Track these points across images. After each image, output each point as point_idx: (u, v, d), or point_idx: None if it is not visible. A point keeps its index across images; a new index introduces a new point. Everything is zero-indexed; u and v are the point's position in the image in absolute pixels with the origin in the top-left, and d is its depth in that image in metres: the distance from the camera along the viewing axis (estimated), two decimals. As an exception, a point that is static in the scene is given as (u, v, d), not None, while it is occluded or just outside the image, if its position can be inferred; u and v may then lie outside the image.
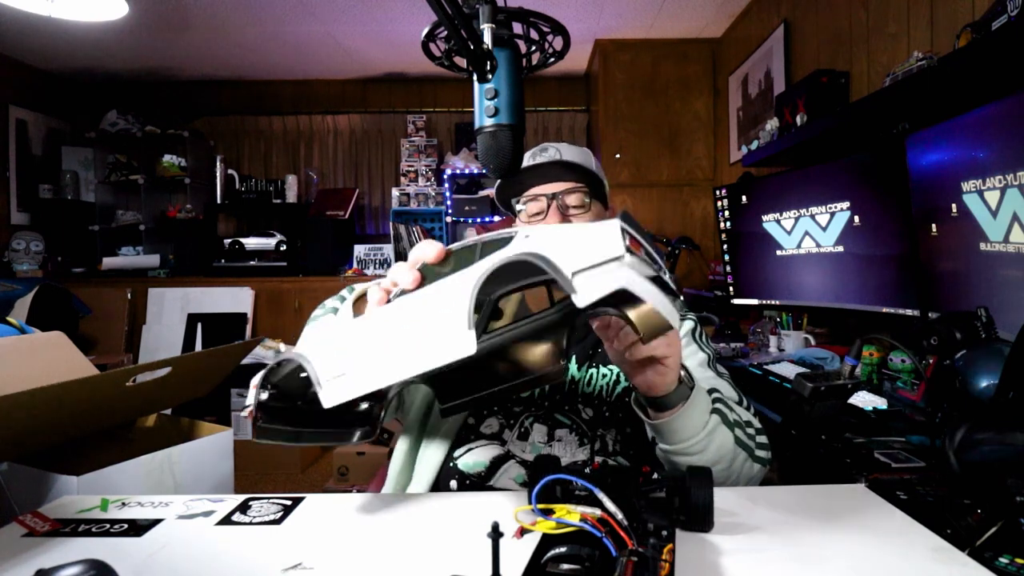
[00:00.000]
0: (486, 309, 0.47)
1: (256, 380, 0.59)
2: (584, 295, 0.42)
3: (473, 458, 0.88)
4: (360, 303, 0.71)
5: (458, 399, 0.61)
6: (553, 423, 0.90)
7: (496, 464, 0.87)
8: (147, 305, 3.90)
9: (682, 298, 0.99)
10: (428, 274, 0.55)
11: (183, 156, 4.19)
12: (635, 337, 0.60)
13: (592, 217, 0.98)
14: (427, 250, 0.55)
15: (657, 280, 0.47)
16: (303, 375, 0.55)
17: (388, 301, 0.57)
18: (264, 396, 0.57)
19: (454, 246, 0.55)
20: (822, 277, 2.11)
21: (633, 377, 0.69)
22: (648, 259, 0.47)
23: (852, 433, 1.22)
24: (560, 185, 0.96)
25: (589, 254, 0.44)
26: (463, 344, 0.44)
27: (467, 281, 0.46)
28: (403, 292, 0.55)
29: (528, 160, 0.98)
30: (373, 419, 0.59)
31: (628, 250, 0.43)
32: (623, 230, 0.44)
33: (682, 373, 0.70)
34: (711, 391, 0.78)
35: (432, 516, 0.67)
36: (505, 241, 0.50)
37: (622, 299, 0.44)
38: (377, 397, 0.59)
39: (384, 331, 0.51)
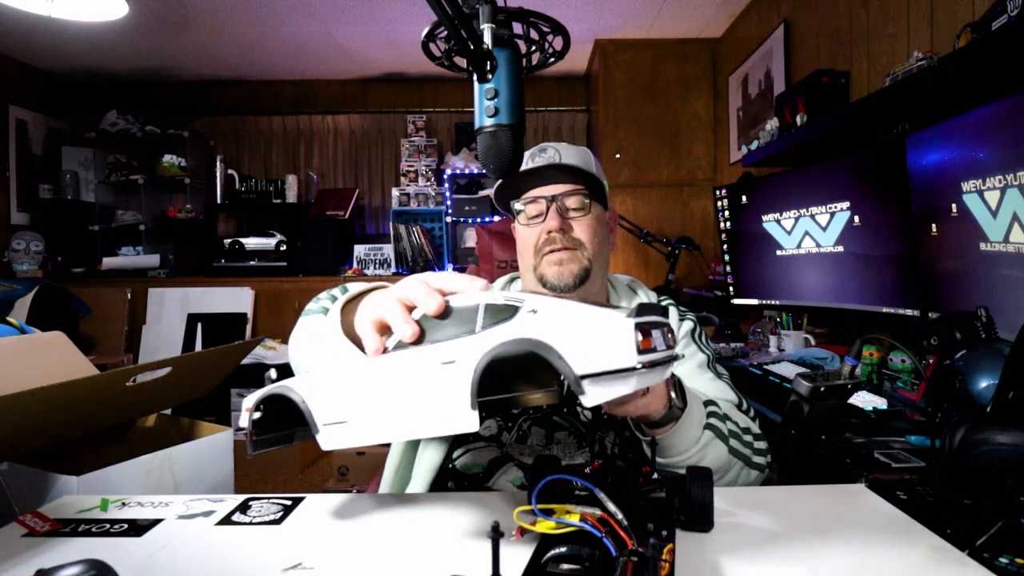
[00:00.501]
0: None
1: (249, 403, 0.60)
2: (592, 398, 0.44)
3: (471, 459, 0.88)
4: (349, 309, 0.69)
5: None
6: (552, 426, 0.89)
7: (494, 466, 0.87)
8: (147, 305, 3.91)
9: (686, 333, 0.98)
10: (426, 326, 0.54)
11: (183, 156, 4.19)
12: None
13: (592, 219, 0.95)
14: (427, 303, 0.53)
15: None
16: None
17: (385, 348, 0.56)
18: (257, 416, 0.60)
19: (454, 302, 0.54)
20: (822, 277, 2.11)
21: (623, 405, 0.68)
22: (658, 344, 0.46)
23: (852, 433, 1.22)
24: (559, 187, 0.94)
25: (600, 357, 0.43)
26: (466, 422, 0.47)
27: (471, 359, 0.47)
28: (400, 343, 0.55)
29: (527, 160, 0.96)
30: None
31: (640, 350, 0.43)
32: (637, 327, 0.43)
33: (672, 395, 0.71)
34: (707, 403, 0.78)
35: (432, 516, 0.67)
36: (510, 311, 0.49)
37: None
38: None
39: (385, 389, 0.52)
